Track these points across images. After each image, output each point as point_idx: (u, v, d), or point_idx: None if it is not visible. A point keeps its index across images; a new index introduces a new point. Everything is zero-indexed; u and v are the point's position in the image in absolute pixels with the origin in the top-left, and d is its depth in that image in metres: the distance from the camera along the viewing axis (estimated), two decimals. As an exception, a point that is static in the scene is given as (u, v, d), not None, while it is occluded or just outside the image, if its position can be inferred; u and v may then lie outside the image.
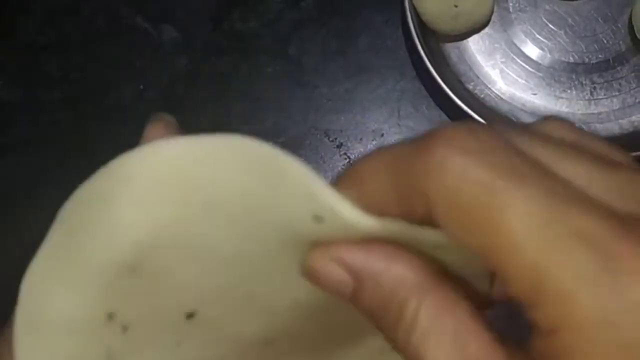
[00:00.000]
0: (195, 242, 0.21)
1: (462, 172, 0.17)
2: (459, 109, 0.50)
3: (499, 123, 0.25)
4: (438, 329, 0.18)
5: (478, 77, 0.54)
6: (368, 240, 0.19)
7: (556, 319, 0.16)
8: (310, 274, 0.20)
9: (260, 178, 0.19)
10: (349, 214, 0.19)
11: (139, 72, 0.55)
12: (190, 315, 0.22)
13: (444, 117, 0.54)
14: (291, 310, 0.23)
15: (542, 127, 0.20)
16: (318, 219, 0.19)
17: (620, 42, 0.54)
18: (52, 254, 0.21)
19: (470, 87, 0.54)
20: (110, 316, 0.22)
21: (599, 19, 0.54)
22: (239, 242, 0.21)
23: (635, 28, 0.52)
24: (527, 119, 0.53)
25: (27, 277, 0.21)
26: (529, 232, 0.16)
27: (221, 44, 0.55)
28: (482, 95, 0.54)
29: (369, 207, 0.19)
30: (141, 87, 0.54)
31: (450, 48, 0.54)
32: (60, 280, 0.21)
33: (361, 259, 0.19)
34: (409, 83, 0.55)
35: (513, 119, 0.53)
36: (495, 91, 0.54)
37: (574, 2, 0.54)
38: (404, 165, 0.18)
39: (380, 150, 0.20)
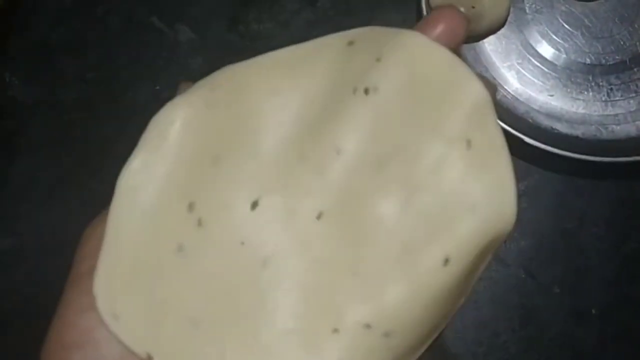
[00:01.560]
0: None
1: None
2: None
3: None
4: None
5: (494, 79, 0.54)
6: None
7: None
8: None
9: None
10: None
11: (154, 72, 0.55)
12: (254, 204, 0.26)
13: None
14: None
15: None
16: None
17: (637, 43, 0.54)
18: (145, 154, 0.27)
19: (487, 88, 0.54)
20: (191, 206, 0.26)
21: (616, 20, 0.54)
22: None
23: (652, 29, 0.52)
24: (543, 120, 0.53)
25: (124, 171, 0.27)
26: None
27: (236, 45, 0.55)
28: (498, 97, 0.53)
29: None
30: (157, 87, 0.54)
31: (466, 49, 0.54)
32: (152, 170, 0.26)
33: None
34: (425, 84, 0.55)
35: (529, 120, 0.53)
36: (512, 92, 0.54)
37: (591, 3, 0.54)
38: None
39: None
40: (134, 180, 0.26)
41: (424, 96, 0.26)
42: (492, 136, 0.26)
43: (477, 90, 0.26)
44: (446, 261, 0.25)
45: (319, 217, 0.26)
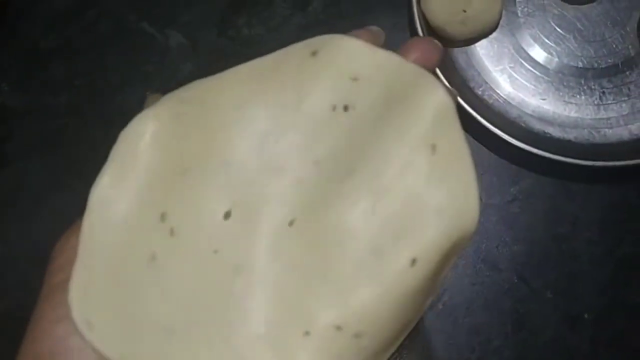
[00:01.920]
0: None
1: None
2: (467, 114, 0.50)
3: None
4: None
5: (486, 82, 0.54)
6: None
7: None
8: None
9: None
10: None
11: (145, 77, 0.54)
12: (227, 215, 0.27)
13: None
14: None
15: None
16: None
17: (629, 47, 0.54)
18: (116, 168, 0.27)
19: (479, 92, 0.53)
20: (163, 216, 0.27)
21: (608, 24, 0.54)
22: None
23: (644, 32, 0.52)
24: (535, 124, 0.53)
25: (95, 185, 0.27)
26: None
27: (227, 49, 0.55)
28: (490, 101, 0.53)
29: None
30: (147, 92, 0.54)
31: (458, 53, 0.54)
32: (123, 183, 0.27)
33: None
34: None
35: (522, 124, 0.53)
36: (504, 96, 0.53)
37: (583, 7, 0.54)
38: None
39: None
40: (105, 193, 0.27)
41: (392, 107, 0.28)
42: (455, 142, 0.27)
43: (441, 97, 0.27)
44: (413, 262, 0.26)
45: (290, 224, 0.27)
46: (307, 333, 0.26)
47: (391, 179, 0.27)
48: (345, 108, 0.28)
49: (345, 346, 0.26)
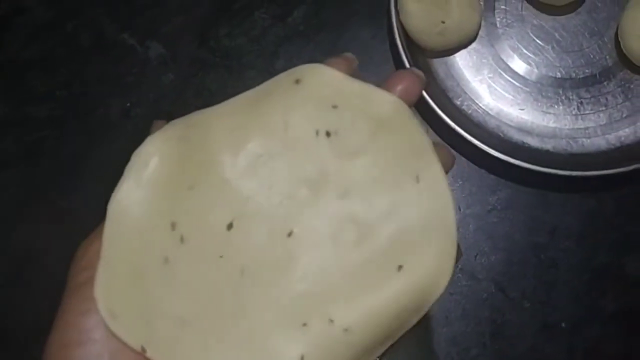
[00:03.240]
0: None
1: None
2: (445, 124, 0.50)
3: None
4: None
5: (465, 93, 0.54)
6: None
7: None
8: None
9: None
10: None
11: (125, 88, 0.54)
12: (230, 226, 0.31)
13: (431, 132, 0.54)
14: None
15: None
16: None
17: (607, 57, 0.54)
18: (130, 182, 0.31)
19: (458, 103, 0.54)
20: (173, 225, 0.31)
21: (586, 34, 0.54)
22: None
23: (621, 43, 0.52)
24: (514, 134, 0.53)
25: (113, 197, 0.31)
26: None
27: (208, 60, 0.55)
28: (469, 111, 0.54)
29: None
30: (128, 104, 0.54)
31: (437, 63, 0.54)
32: (137, 196, 0.31)
33: None
34: (397, 98, 0.55)
35: (500, 134, 0.53)
36: (483, 107, 0.54)
37: (561, 17, 0.54)
38: None
39: None
40: (122, 205, 0.31)
41: (376, 135, 0.32)
42: (437, 177, 0.31)
43: (415, 128, 0.32)
44: (399, 268, 0.31)
45: (289, 235, 0.31)
46: (304, 324, 0.30)
47: (378, 214, 0.31)
48: (328, 134, 0.32)
49: (334, 339, 0.30)
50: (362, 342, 0.30)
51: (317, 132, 0.32)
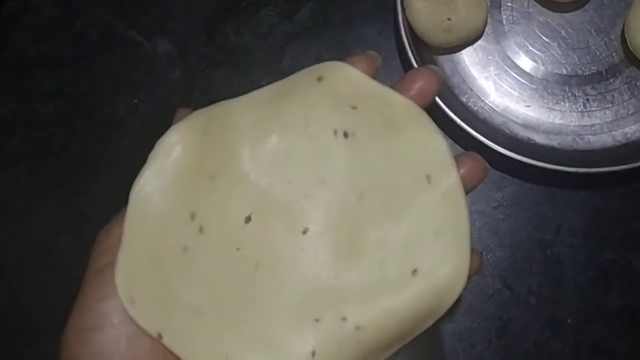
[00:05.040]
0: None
1: None
2: (452, 121, 0.50)
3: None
4: None
5: (471, 90, 0.54)
6: None
7: None
8: None
9: None
10: None
11: (133, 85, 0.55)
12: (248, 219, 0.32)
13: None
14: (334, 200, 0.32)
15: None
16: None
17: (613, 54, 0.54)
18: (153, 169, 0.31)
19: (464, 100, 0.54)
20: (193, 215, 0.31)
21: (592, 31, 0.54)
22: None
23: (627, 40, 0.52)
24: (520, 131, 0.53)
25: (135, 184, 0.31)
26: None
27: (215, 57, 0.55)
28: (475, 108, 0.54)
29: None
30: (135, 100, 0.54)
31: (443, 60, 0.55)
32: (159, 183, 0.31)
33: None
34: (403, 95, 0.55)
35: (506, 131, 0.53)
36: (489, 103, 0.54)
37: (567, 14, 0.55)
38: None
39: None
40: (144, 191, 0.31)
41: (392, 139, 0.32)
42: (455, 188, 0.31)
43: (432, 134, 0.32)
44: (414, 272, 0.31)
45: (304, 232, 0.31)
46: (317, 320, 0.30)
47: (399, 206, 0.31)
48: (345, 134, 0.32)
49: (345, 336, 0.30)
50: (373, 342, 0.30)
51: (335, 132, 0.32)
